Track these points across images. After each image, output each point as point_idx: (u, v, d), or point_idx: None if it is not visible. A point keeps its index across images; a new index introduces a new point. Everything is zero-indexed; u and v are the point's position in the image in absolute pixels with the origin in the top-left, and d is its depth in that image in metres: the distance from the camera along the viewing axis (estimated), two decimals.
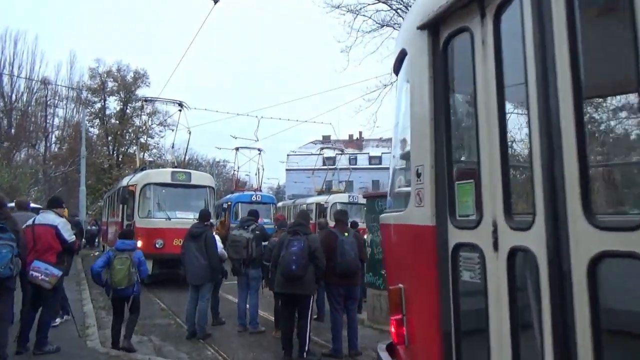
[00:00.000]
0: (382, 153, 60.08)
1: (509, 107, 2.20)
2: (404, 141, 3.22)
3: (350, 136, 60.47)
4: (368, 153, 59.70)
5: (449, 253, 2.46)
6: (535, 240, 1.91)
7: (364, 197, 10.09)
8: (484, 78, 2.27)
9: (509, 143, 2.16)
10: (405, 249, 2.86)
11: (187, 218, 12.78)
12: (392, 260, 3.16)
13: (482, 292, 2.25)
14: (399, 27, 24.66)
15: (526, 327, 2.02)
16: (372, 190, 42.52)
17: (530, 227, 1.94)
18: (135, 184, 13.41)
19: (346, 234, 6.83)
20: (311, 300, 6.60)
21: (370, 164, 57.55)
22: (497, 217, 2.18)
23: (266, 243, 8.44)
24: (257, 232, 8.31)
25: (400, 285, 2.90)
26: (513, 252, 2.08)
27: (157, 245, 12.17)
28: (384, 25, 24.48)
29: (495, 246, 2.17)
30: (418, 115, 2.70)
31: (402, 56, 3.06)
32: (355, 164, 51.82)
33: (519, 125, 2.26)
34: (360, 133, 59.86)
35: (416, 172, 2.68)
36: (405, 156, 3.00)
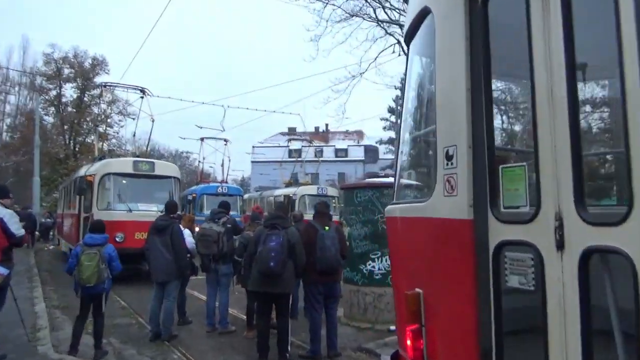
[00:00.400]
0: (348, 146, 60.00)
1: (585, 72, 1.75)
2: (416, 121, 2.75)
3: (317, 128, 59.98)
4: (334, 146, 59.42)
5: (490, 253, 2.01)
6: (632, 239, 1.47)
7: (341, 189, 9.64)
8: (544, 38, 1.82)
9: (583, 115, 1.71)
10: (427, 246, 2.40)
11: (150, 210, 12.17)
12: (405, 259, 2.69)
13: (538, 302, 1.81)
14: (369, 18, 24.45)
15: (606, 351, 1.59)
16: (339, 183, 42.26)
17: (622, 222, 1.51)
18: (93, 173, 12.52)
19: (327, 227, 6.35)
20: (290, 299, 6.10)
21: (336, 156, 57.27)
22: (562, 209, 1.74)
23: (238, 237, 7.88)
24: (228, 225, 7.73)
25: (419, 290, 2.44)
26: (588, 254, 1.64)
27: (117, 239, 11.44)
28: (353, 15, 24.15)
29: (560, 245, 1.74)
30: (448, 86, 2.23)
31: (420, 19, 2.57)
32: (322, 157, 51.44)
33: (598, 94, 1.81)
34: (327, 125, 59.51)
35: (445, 154, 2.21)
36: (424, 138, 2.53)
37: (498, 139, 2.17)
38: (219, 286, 7.82)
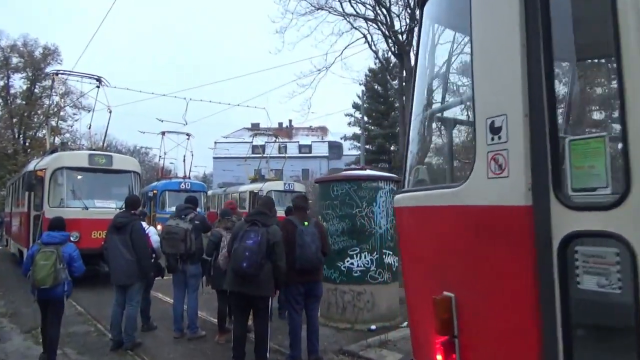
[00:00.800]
0: (312, 142, 59.63)
1: None
2: (435, 95, 2.33)
3: (280, 124, 59.25)
4: (298, 142, 58.90)
5: (555, 248, 1.60)
6: None
7: (316, 182, 9.18)
8: None
9: None
10: (461, 241, 1.98)
11: (108, 207, 11.40)
12: (425, 256, 2.26)
13: (628, 310, 1.41)
14: (335, 11, 24.06)
15: None
16: (303, 179, 41.77)
17: None
18: (44, 168, 11.57)
19: (306, 223, 5.88)
20: (270, 302, 5.60)
21: (300, 152, 56.77)
22: None
23: (208, 235, 7.31)
24: (196, 222, 7.13)
25: (449, 294, 2.01)
26: None
27: (72, 239, 10.50)
28: (319, 8, 23.74)
29: None
30: (493, 44, 1.81)
31: None
32: (286, 153, 50.91)
33: None
34: (290, 121, 58.91)
35: (489, 126, 1.79)
36: (449, 112, 2.10)
37: (562, 106, 1.76)
38: (186, 288, 7.22)
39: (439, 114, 2.33)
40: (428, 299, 2.18)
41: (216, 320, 7.36)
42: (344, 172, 8.83)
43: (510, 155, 1.70)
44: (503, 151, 1.73)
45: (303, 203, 6.07)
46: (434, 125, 2.42)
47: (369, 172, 8.42)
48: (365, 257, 7.75)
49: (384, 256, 7.86)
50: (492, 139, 1.79)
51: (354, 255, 7.75)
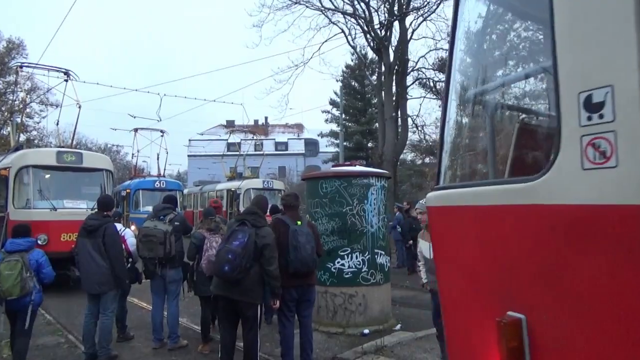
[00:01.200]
0: (289, 139, 59.05)
1: None
2: (484, 71, 1.91)
3: (256, 121, 58.38)
4: (274, 139, 58.19)
5: None
6: None
7: (303, 179, 8.76)
8: None
9: None
10: (537, 248, 1.57)
11: (78, 208, 10.74)
12: (478, 268, 1.85)
13: None
14: (312, 6, 23.57)
15: None
16: (280, 177, 41.25)
17: None
18: (8, 166, 10.77)
19: (299, 222, 5.43)
20: (259, 309, 5.13)
21: (276, 150, 56.07)
22: None
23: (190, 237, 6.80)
24: (176, 223, 6.59)
25: (518, 315, 1.61)
26: None
27: (39, 242, 9.84)
28: (295, 3, 23.23)
29: None
30: None
31: None
32: (262, 150, 50.31)
33: None
34: (266, 118, 58.18)
35: (584, 102, 1.39)
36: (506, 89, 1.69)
37: None
38: (166, 294, 6.69)
39: (490, 94, 1.92)
40: (483, 321, 1.78)
41: (199, 328, 6.85)
42: (333, 167, 8.39)
43: (620, 138, 1.30)
44: (607, 134, 1.33)
45: (294, 201, 5.61)
46: (481, 107, 2.00)
47: (359, 168, 8.01)
48: (356, 258, 7.36)
49: (376, 256, 7.48)
50: (589, 118, 1.38)
51: (345, 256, 7.35)
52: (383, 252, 7.64)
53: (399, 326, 7.66)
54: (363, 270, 7.36)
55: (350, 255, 7.34)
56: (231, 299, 5.00)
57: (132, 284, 6.91)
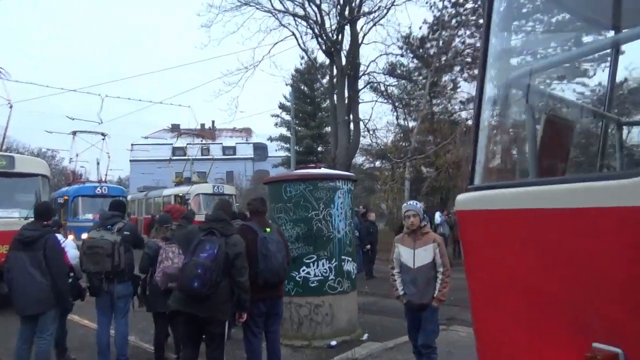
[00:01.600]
0: (237, 143, 58.01)
1: None
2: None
3: (202, 125, 56.89)
4: (222, 143, 56.92)
5: None
6: None
7: (265, 183, 8.26)
8: None
9: None
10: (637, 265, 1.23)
11: (9, 217, 9.66)
12: (543, 289, 1.48)
13: None
14: (262, 8, 23.04)
15: None
16: (228, 182, 40.17)
17: None
18: None
19: (268, 229, 4.97)
20: (226, 326, 4.61)
21: (224, 154, 54.83)
22: None
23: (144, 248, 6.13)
24: (125, 232, 5.91)
25: (613, 350, 1.26)
26: None
27: None
28: (245, 4, 22.65)
29: None
30: None
31: None
32: (209, 154, 48.99)
33: None
34: (213, 122, 56.80)
35: None
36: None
37: None
38: (113, 312, 5.99)
39: (541, 76, 1.58)
40: (554, 354, 1.41)
41: (150, 347, 6.20)
42: (297, 170, 7.95)
43: None
44: None
45: (262, 207, 5.14)
46: (525, 93, 1.66)
47: (325, 170, 7.62)
48: (323, 265, 6.95)
49: (343, 263, 7.11)
50: None
51: (311, 264, 6.92)
52: (350, 259, 7.29)
53: (366, 336, 7.32)
54: (330, 278, 6.97)
55: (316, 263, 6.92)
56: (195, 316, 4.45)
57: (74, 301, 6.14)
